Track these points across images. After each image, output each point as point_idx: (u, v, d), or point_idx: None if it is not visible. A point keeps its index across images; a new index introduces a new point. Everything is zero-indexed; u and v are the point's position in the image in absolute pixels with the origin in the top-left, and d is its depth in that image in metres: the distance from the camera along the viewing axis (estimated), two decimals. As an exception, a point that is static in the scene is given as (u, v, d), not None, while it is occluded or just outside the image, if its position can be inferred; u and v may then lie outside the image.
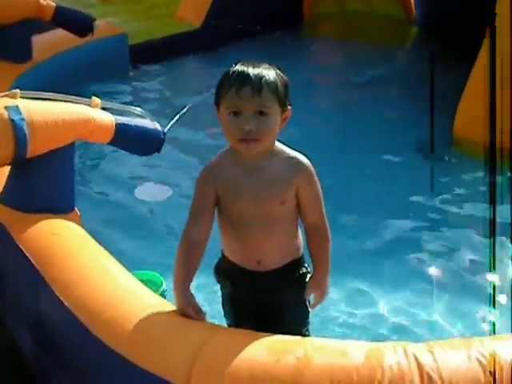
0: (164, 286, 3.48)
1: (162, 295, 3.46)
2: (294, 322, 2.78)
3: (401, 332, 3.35)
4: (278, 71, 2.51)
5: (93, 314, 2.52)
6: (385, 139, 5.50)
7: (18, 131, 3.07)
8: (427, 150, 5.33)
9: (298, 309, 2.78)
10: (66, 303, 2.60)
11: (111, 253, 3.03)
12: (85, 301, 2.59)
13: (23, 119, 3.09)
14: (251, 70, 2.43)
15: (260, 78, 2.41)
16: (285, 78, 2.52)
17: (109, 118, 3.51)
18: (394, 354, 2.14)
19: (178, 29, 7.37)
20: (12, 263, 3.06)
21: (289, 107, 2.52)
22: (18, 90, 3.24)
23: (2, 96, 3.22)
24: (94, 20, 5.97)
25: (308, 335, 2.80)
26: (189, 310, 2.42)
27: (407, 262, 3.97)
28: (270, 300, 2.72)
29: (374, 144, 5.40)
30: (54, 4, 5.71)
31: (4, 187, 3.39)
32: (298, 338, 2.40)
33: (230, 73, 2.45)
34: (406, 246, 4.14)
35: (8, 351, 3.22)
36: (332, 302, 3.47)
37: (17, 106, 3.12)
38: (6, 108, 3.08)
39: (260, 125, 2.41)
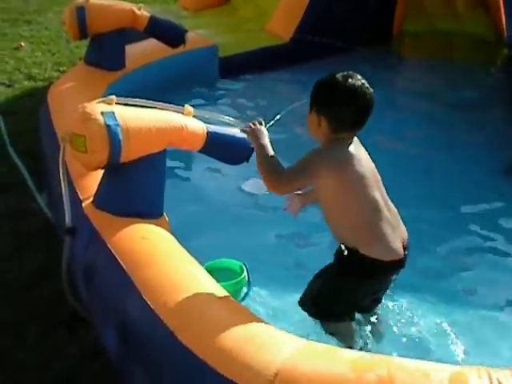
0: (245, 273, 3.55)
1: (242, 282, 3.52)
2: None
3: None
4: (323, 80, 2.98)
5: (179, 319, 2.56)
6: (474, 161, 5.43)
7: (112, 136, 3.16)
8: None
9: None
10: (152, 307, 2.65)
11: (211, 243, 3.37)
12: (171, 306, 2.64)
13: (118, 125, 3.19)
14: (369, 93, 2.88)
15: (372, 105, 2.90)
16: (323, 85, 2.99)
17: (200, 126, 3.57)
18: (478, 379, 2.11)
19: (267, 42, 7.43)
20: (102, 264, 3.14)
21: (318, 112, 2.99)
22: (113, 97, 3.34)
23: (99, 102, 3.32)
24: (187, 31, 6.08)
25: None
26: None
27: (493, 288, 3.89)
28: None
29: (462, 166, 5.33)
30: (148, 14, 5.83)
31: (96, 191, 3.49)
32: (382, 356, 2.39)
33: (345, 87, 2.87)
34: (495, 269, 4.07)
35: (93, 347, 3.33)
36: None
37: (113, 112, 3.22)
38: (102, 113, 3.19)
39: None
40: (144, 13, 5.80)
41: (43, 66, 8.47)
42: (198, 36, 6.95)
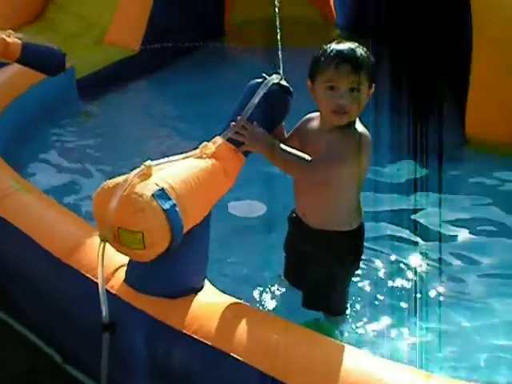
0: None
1: None
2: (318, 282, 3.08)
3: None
4: (368, 52, 2.85)
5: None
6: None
7: (174, 223, 2.56)
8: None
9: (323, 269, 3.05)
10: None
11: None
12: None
13: (175, 205, 2.57)
14: (350, 49, 2.79)
15: (358, 57, 2.77)
16: (372, 59, 2.86)
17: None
18: None
19: (118, 56, 6.78)
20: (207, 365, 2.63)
21: (373, 85, 2.87)
22: (150, 162, 2.67)
23: (136, 175, 2.60)
24: (65, 55, 5.13)
25: (342, 306, 3.22)
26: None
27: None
28: (305, 252, 3.10)
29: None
30: (19, 41, 4.65)
31: (129, 272, 2.89)
32: None
33: (329, 50, 2.81)
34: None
35: None
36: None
37: (162, 189, 2.57)
38: (153, 196, 2.53)
39: (353, 100, 2.78)
40: (15, 40, 4.69)
41: None
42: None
